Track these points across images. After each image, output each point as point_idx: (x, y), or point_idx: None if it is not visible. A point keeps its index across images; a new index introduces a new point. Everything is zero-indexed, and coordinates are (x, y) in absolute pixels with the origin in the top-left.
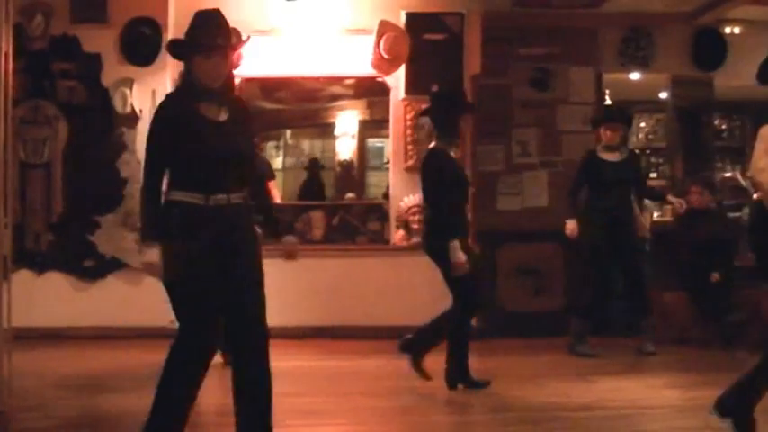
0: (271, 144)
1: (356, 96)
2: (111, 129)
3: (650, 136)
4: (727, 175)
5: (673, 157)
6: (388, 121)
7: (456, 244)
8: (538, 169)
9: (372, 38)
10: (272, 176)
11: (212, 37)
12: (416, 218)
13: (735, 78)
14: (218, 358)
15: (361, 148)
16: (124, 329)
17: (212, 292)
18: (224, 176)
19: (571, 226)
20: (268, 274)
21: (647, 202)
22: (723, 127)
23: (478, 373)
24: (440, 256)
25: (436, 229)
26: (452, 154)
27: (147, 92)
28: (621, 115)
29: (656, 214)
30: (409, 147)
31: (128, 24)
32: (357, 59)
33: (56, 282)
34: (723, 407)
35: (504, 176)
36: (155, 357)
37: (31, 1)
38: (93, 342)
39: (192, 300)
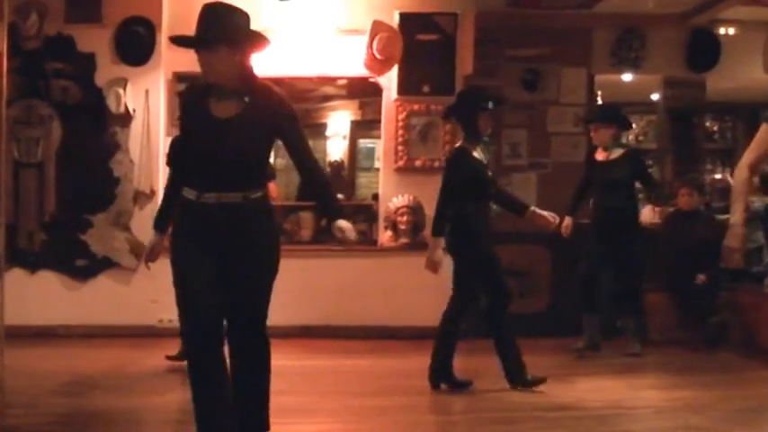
0: None
1: (348, 96)
2: (105, 128)
3: (641, 137)
4: (717, 176)
5: (663, 159)
6: (380, 121)
7: (439, 241)
8: (527, 171)
9: (365, 38)
10: (273, 176)
11: (200, 32)
12: (405, 218)
13: (728, 80)
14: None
15: (353, 148)
16: (115, 328)
17: (199, 290)
18: (217, 176)
19: (566, 223)
20: None
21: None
22: (714, 129)
23: (461, 373)
24: (454, 253)
25: (453, 227)
26: (476, 154)
27: (140, 92)
28: (609, 115)
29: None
30: (400, 148)
31: (122, 24)
32: (350, 60)
33: (48, 281)
34: None
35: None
36: (145, 356)
37: (26, 0)
38: (85, 341)
39: (181, 299)
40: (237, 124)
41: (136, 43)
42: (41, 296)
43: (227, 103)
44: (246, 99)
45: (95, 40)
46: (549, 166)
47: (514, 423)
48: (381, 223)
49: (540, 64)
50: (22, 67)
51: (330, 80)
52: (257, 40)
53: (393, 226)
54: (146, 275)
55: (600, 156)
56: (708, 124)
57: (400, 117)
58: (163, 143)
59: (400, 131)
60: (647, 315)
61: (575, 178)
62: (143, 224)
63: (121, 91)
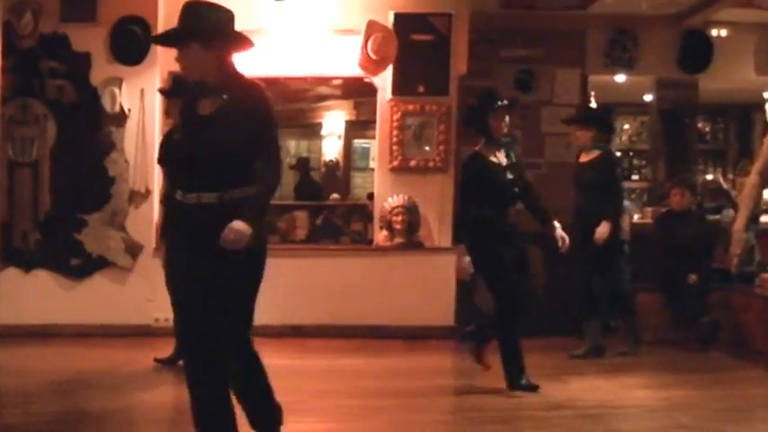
0: None
1: (343, 97)
2: (100, 128)
3: (633, 138)
4: (709, 177)
5: (655, 160)
6: (374, 121)
7: (461, 247)
8: None
9: (360, 38)
10: None
11: (174, 28)
12: (399, 218)
13: (720, 81)
14: None
15: (348, 148)
16: (110, 328)
17: (185, 293)
18: (196, 174)
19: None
20: None
21: (626, 203)
22: (707, 130)
23: (453, 373)
24: (472, 256)
25: (470, 230)
26: (493, 158)
27: (136, 91)
28: (588, 117)
29: (636, 216)
30: (395, 147)
31: (117, 23)
32: (345, 60)
33: (43, 280)
34: None
35: None
36: (139, 356)
37: None
38: (79, 340)
39: (171, 301)
40: (214, 121)
41: (131, 43)
42: (36, 295)
43: (207, 100)
44: (225, 96)
45: (90, 40)
46: (542, 166)
47: (507, 422)
48: (376, 223)
49: (534, 65)
50: (17, 66)
51: (325, 80)
52: (237, 38)
53: (388, 226)
54: (141, 275)
55: (581, 158)
56: (700, 125)
57: (395, 117)
58: (158, 143)
59: (395, 131)
60: (640, 315)
61: (568, 178)
62: (138, 223)
63: (117, 90)
